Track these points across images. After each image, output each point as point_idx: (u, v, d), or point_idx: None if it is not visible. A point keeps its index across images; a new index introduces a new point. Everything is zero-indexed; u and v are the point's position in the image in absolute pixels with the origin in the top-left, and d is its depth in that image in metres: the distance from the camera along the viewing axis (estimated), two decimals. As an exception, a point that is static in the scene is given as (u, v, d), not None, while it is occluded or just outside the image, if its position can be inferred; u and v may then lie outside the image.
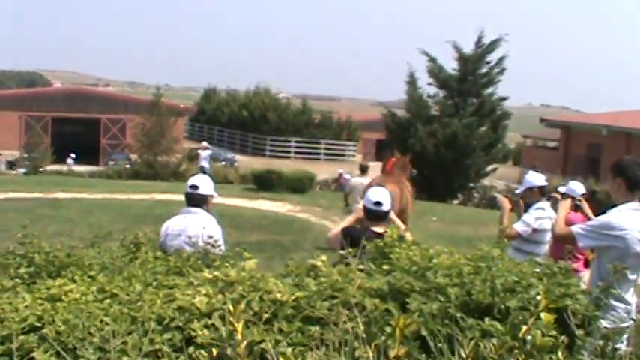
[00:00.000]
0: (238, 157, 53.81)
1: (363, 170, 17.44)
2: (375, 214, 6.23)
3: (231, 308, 2.84)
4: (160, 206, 19.81)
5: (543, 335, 2.82)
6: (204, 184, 6.44)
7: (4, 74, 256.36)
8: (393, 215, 6.47)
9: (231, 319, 2.77)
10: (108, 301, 3.61)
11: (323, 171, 39.55)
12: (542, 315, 2.93)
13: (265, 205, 21.39)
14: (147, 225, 15.64)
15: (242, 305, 2.94)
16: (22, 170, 41.19)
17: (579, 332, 3.28)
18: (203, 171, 26.99)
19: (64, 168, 40.45)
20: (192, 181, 6.50)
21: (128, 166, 40.39)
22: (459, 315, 3.30)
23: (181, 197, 18.69)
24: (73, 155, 46.95)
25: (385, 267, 4.05)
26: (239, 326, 2.73)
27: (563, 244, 6.81)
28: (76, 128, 59.66)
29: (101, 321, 3.28)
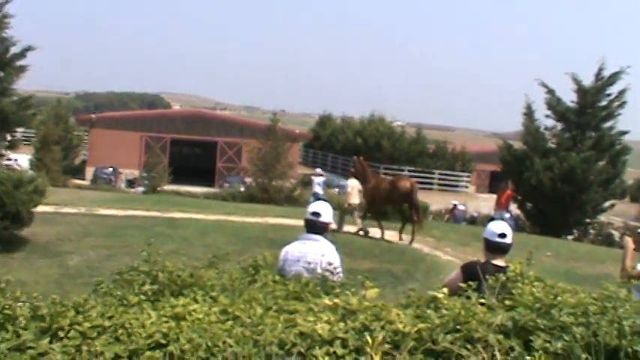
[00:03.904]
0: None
1: (352, 174, 22.33)
2: (498, 246, 6.15)
3: (370, 340, 2.82)
4: (274, 230, 19.99)
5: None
6: (326, 212, 6.40)
7: (128, 96, 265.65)
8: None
9: (368, 350, 2.75)
10: (230, 322, 3.64)
11: (436, 201, 39.24)
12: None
13: (378, 233, 21.31)
14: (260, 247, 15.91)
15: (380, 337, 2.92)
16: (141, 189, 42.35)
17: None
18: (317, 197, 27.12)
19: (181, 188, 41.34)
20: (314, 208, 6.46)
21: (243, 188, 40.99)
22: (584, 356, 3.19)
23: (294, 222, 18.80)
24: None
25: (507, 302, 3.97)
26: (377, 359, 2.70)
27: None
28: (194, 150, 61.22)
29: (224, 342, 3.32)
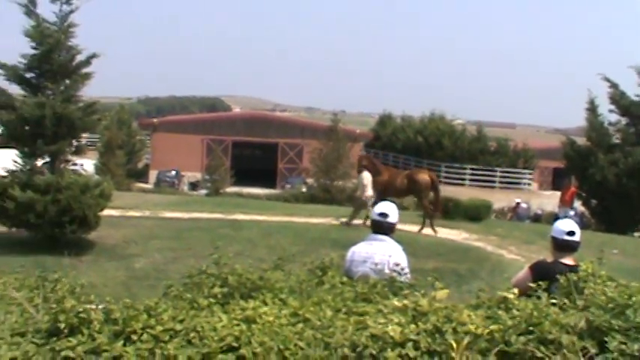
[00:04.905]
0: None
1: (365, 168, 22.51)
2: (567, 245, 6.06)
3: (454, 345, 2.79)
4: (337, 230, 20.02)
5: None
6: (393, 212, 6.39)
7: (188, 100, 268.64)
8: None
9: (453, 354, 2.73)
10: (300, 325, 3.64)
11: (498, 199, 38.82)
12: None
13: (442, 232, 21.17)
14: (324, 248, 15.96)
15: (465, 342, 2.90)
16: (204, 191, 42.79)
17: None
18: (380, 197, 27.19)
19: (243, 190, 41.62)
20: (381, 208, 6.45)
21: (304, 189, 41.11)
22: (661, 358, 3.13)
23: (358, 222, 18.68)
24: None
25: (580, 302, 3.90)
26: (461, 363, 2.68)
27: None
28: (255, 152, 61.57)
29: (295, 345, 3.32)
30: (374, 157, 24.69)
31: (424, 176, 21.93)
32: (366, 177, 22.27)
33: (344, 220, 22.29)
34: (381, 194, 22.13)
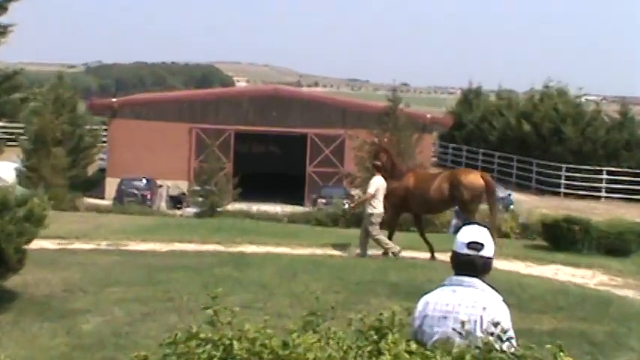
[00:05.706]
0: (516, 196, 53.25)
1: (379, 169, 22.70)
2: None
3: None
4: (399, 269, 19.95)
5: None
6: (488, 242, 6.11)
7: (166, 68, 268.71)
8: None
9: None
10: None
11: (658, 218, 38.59)
12: None
13: (563, 272, 21.14)
14: (378, 297, 16.04)
15: None
16: (193, 209, 42.96)
17: None
18: (458, 216, 27.18)
19: (253, 207, 41.70)
20: (470, 235, 6.15)
21: (346, 205, 41.04)
22: None
23: (429, 255, 18.68)
24: None
25: None
26: None
27: None
28: (270, 148, 61.61)
29: None
30: (393, 151, 25.31)
31: (475, 178, 22.15)
32: (375, 183, 22.19)
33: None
34: (399, 207, 22.74)
